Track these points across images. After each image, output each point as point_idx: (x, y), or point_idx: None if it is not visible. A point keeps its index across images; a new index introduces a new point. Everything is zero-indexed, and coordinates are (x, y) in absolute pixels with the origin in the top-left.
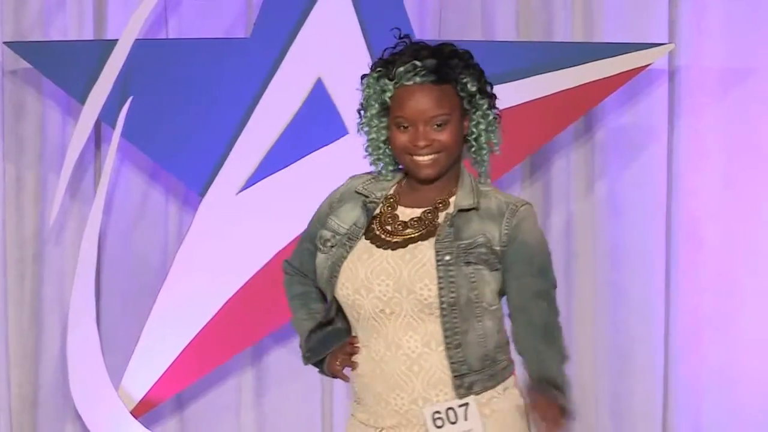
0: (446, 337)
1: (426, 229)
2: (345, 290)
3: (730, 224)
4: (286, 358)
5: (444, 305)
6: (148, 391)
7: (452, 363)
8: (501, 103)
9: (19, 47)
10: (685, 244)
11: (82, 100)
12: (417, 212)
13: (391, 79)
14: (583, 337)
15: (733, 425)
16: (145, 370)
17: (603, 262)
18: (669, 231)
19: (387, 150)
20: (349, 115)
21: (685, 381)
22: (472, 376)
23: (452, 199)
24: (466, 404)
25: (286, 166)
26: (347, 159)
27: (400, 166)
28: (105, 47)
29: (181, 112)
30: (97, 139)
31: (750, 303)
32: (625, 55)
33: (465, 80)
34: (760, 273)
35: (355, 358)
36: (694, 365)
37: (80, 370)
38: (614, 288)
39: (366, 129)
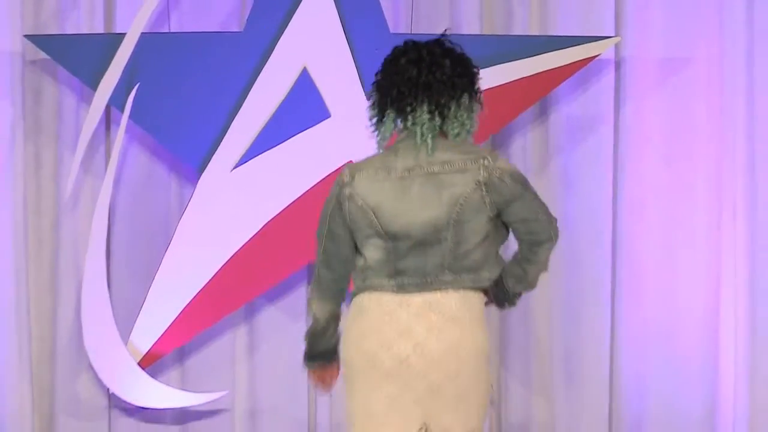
0: None
1: None
2: None
3: (670, 197)
4: (276, 316)
5: None
6: (153, 345)
7: None
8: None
9: (37, 40)
10: (629, 215)
11: (94, 86)
12: None
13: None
14: (540, 296)
15: (673, 373)
16: (151, 327)
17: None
18: (615, 203)
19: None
20: (331, 100)
21: (630, 336)
22: None
23: None
24: None
25: (276, 145)
26: (329, 140)
27: None
28: (114, 40)
29: (182, 98)
30: (108, 121)
31: (686, 266)
32: (576, 47)
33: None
34: (696, 240)
35: None
36: (638, 322)
37: (93, 326)
38: (566, 254)
39: (379, 139)
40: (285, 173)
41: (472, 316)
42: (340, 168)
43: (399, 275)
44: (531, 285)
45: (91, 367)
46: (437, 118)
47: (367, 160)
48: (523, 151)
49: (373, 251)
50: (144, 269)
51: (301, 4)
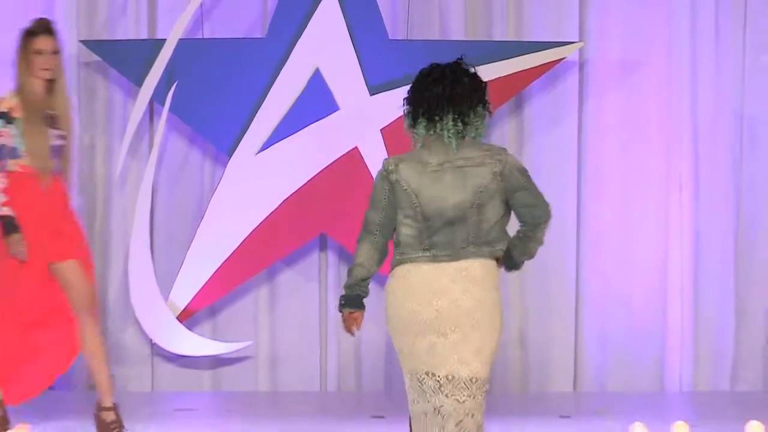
0: None
1: None
2: None
3: (625, 178)
4: (292, 278)
5: None
6: (189, 302)
7: None
8: None
9: (91, 45)
10: (590, 192)
11: (139, 84)
12: None
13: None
14: None
15: (628, 328)
16: (187, 287)
17: None
18: (579, 182)
19: None
20: (340, 95)
21: (592, 302)
22: None
23: None
24: None
25: (293, 133)
26: (338, 129)
27: None
28: (156, 45)
29: (213, 93)
30: (151, 114)
31: (640, 235)
32: (546, 51)
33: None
34: (648, 213)
35: None
36: (599, 284)
37: (138, 286)
38: None
39: (415, 140)
40: (301, 157)
41: (491, 280)
42: (348, 152)
43: (432, 248)
44: (531, 255)
45: (136, 321)
46: (459, 124)
47: (406, 155)
48: (502, 138)
49: (407, 229)
50: (181, 238)
51: (315, 15)
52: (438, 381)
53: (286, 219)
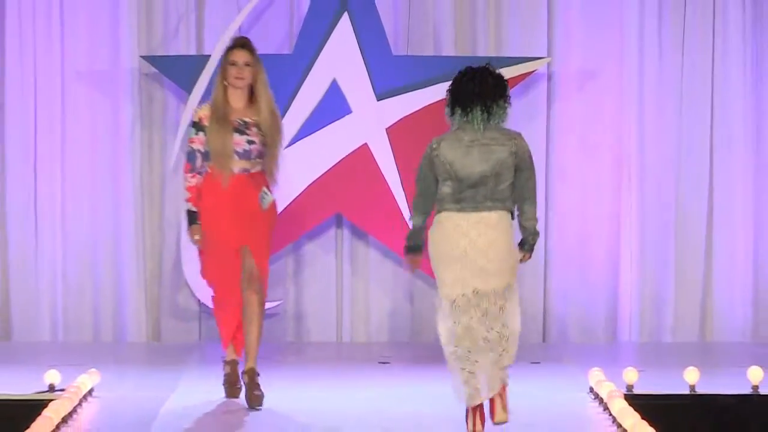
0: None
1: None
2: None
3: (585, 167)
4: (313, 249)
5: None
6: None
7: None
8: (445, 94)
9: (150, 59)
10: (557, 179)
11: (189, 91)
12: None
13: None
14: None
15: (587, 285)
16: None
17: None
18: (547, 172)
19: None
20: (352, 101)
21: (558, 268)
22: None
23: None
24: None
25: (315, 131)
26: (351, 128)
27: None
28: (203, 59)
29: None
30: None
31: (598, 215)
32: (520, 64)
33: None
34: (604, 196)
35: None
36: (563, 251)
37: (188, 256)
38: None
39: (452, 118)
40: (321, 151)
41: (503, 226)
42: (359, 147)
43: (460, 202)
44: (531, 232)
45: (186, 284)
46: (485, 113)
47: (446, 134)
48: None
49: (445, 188)
50: None
51: (332, 35)
52: (468, 297)
53: (309, 201)
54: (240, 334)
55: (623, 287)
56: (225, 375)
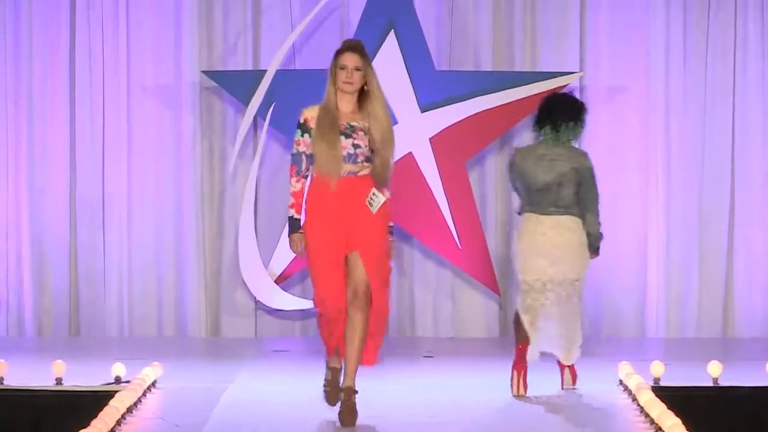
0: None
1: None
2: None
3: (614, 172)
4: None
5: None
6: (284, 269)
7: None
8: (484, 107)
9: (210, 74)
10: None
11: (247, 104)
12: None
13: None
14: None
15: (620, 291)
16: (282, 257)
17: None
18: None
19: None
20: (398, 113)
21: (591, 266)
22: None
23: None
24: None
25: None
26: (396, 138)
27: None
28: (259, 74)
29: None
30: (255, 125)
31: (627, 216)
32: (554, 78)
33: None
34: (633, 199)
35: None
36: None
37: (246, 256)
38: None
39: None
40: None
41: (575, 228)
42: (404, 156)
43: (533, 204)
44: (594, 236)
45: (244, 283)
46: (554, 132)
47: (526, 146)
48: (521, 144)
49: (525, 194)
50: (278, 221)
51: (380, 51)
52: (544, 283)
53: None
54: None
55: (650, 285)
56: (325, 380)
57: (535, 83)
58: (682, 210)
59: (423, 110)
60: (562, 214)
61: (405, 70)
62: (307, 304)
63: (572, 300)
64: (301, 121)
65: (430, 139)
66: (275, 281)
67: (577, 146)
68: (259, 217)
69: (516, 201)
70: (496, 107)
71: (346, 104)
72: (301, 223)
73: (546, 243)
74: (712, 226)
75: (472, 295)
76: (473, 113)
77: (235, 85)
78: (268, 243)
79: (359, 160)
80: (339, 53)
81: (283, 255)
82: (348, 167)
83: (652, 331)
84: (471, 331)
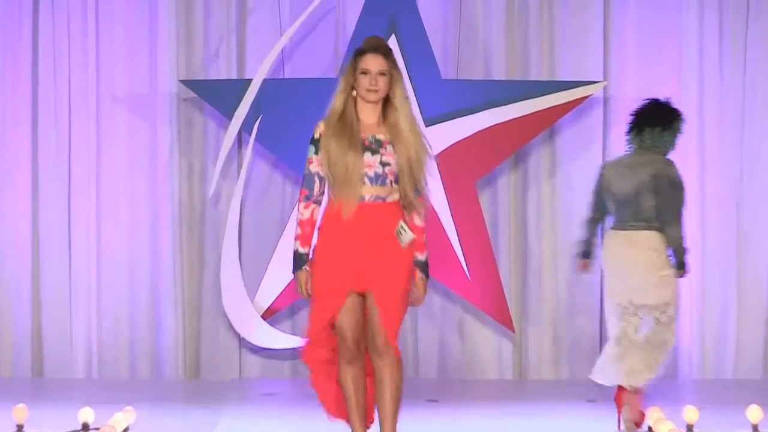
0: None
1: None
2: None
3: None
4: None
5: None
6: (272, 303)
7: None
8: (496, 120)
9: (189, 83)
10: None
11: (230, 117)
12: None
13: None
14: (548, 268)
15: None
16: (270, 289)
17: (560, 219)
18: None
19: None
20: None
21: None
22: None
23: None
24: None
25: None
26: None
27: None
28: (244, 84)
29: (293, 125)
30: (239, 142)
31: None
32: (576, 89)
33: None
34: None
35: None
36: None
37: (228, 288)
38: (566, 234)
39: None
40: None
41: (649, 245)
42: None
43: (616, 221)
44: (677, 250)
45: (227, 318)
46: (638, 138)
47: (613, 159)
48: (537, 162)
49: (611, 208)
50: (265, 248)
51: None
52: (623, 307)
53: None
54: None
55: (683, 322)
56: None
57: (553, 94)
58: (718, 232)
59: (428, 124)
60: (643, 229)
61: (407, 78)
62: (298, 342)
63: (654, 328)
64: (316, 136)
65: (435, 156)
66: (262, 316)
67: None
68: (243, 244)
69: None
70: (509, 121)
71: (368, 115)
72: (307, 258)
73: (621, 262)
74: (752, 250)
75: (482, 332)
76: (484, 127)
77: (217, 95)
78: (254, 273)
79: (388, 181)
80: (359, 54)
81: (271, 286)
82: (375, 190)
83: (684, 372)
84: (482, 373)
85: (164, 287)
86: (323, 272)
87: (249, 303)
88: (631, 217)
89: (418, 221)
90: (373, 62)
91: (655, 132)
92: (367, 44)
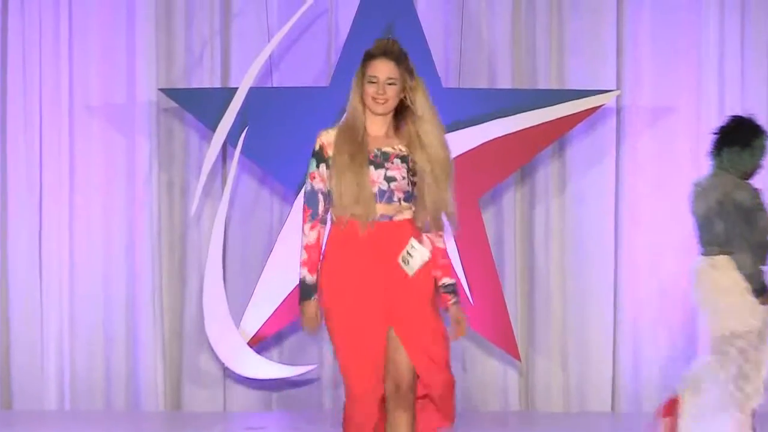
0: None
1: None
2: None
3: (660, 214)
4: None
5: None
6: (259, 329)
7: None
8: (501, 132)
9: (169, 92)
10: (627, 225)
11: (213, 128)
12: None
13: None
14: (556, 293)
15: (665, 358)
16: (257, 315)
17: (571, 238)
18: (616, 217)
19: None
20: None
21: (629, 327)
22: None
23: None
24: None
25: None
26: None
27: None
28: (229, 93)
29: (282, 137)
30: (224, 155)
31: (675, 266)
32: (586, 98)
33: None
34: (681, 245)
35: None
36: (634, 313)
37: (212, 314)
38: (578, 256)
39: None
40: None
41: (716, 272)
42: None
43: (699, 244)
44: (743, 271)
45: (210, 347)
46: (718, 160)
47: (698, 178)
48: (545, 177)
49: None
50: (251, 271)
51: None
52: (724, 336)
53: None
54: None
55: (705, 350)
56: None
57: (563, 103)
58: None
59: None
60: (715, 254)
61: None
62: (287, 372)
63: (724, 360)
64: (317, 148)
65: None
66: (248, 343)
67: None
68: (228, 266)
69: None
70: (515, 132)
71: (377, 126)
72: (316, 287)
73: (699, 289)
74: None
75: (486, 361)
76: (488, 140)
77: (199, 105)
78: (240, 297)
79: (395, 198)
80: (368, 59)
81: (258, 311)
82: (380, 208)
83: None
84: (485, 404)
85: (142, 312)
86: (338, 302)
87: (234, 329)
88: (706, 242)
89: (440, 243)
90: (381, 68)
91: (732, 152)
92: (377, 47)
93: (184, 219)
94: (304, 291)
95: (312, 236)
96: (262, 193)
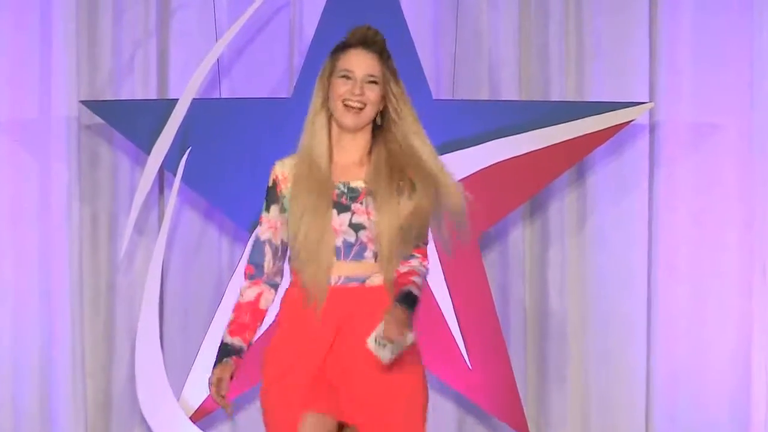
0: None
1: None
2: None
3: (701, 256)
4: None
5: None
6: (205, 400)
7: None
8: (505, 154)
9: (93, 105)
10: (663, 274)
11: (148, 151)
12: None
13: None
14: (578, 345)
15: (702, 414)
16: (202, 382)
17: (592, 286)
18: (649, 262)
19: None
20: None
21: (663, 393)
22: None
23: None
24: None
25: None
26: None
27: None
28: (167, 105)
29: (232, 161)
30: (161, 184)
31: (719, 325)
32: (611, 113)
33: None
34: (728, 299)
35: None
36: (671, 372)
37: (146, 381)
38: (602, 309)
39: None
40: None
41: None
42: None
43: None
44: None
45: (144, 421)
46: None
47: None
48: (560, 213)
49: None
50: (195, 327)
51: None
52: None
53: None
54: None
55: (755, 413)
56: None
57: (582, 119)
58: None
59: None
60: None
61: None
62: None
63: None
64: (270, 183)
65: None
66: (191, 418)
67: None
68: (166, 322)
69: None
70: (522, 155)
71: (346, 149)
72: (236, 349)
73: None
74: None
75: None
76: (489, 164)
77: (130, 122)
78: (180, 360)
79: (367, 254)
80: (340, 50)
81: (203, 378)
82: (346, 268)
83: None
84: None
85: (60, 380)
86: (277, 388)
87: (174, 400)
88: None
89: (417, 279)
90: (359, 62)
91: None
92: (354, 36)
93: (111, 263)
94: (220, 352)
95: (249, 294)
96: (208, 230)
